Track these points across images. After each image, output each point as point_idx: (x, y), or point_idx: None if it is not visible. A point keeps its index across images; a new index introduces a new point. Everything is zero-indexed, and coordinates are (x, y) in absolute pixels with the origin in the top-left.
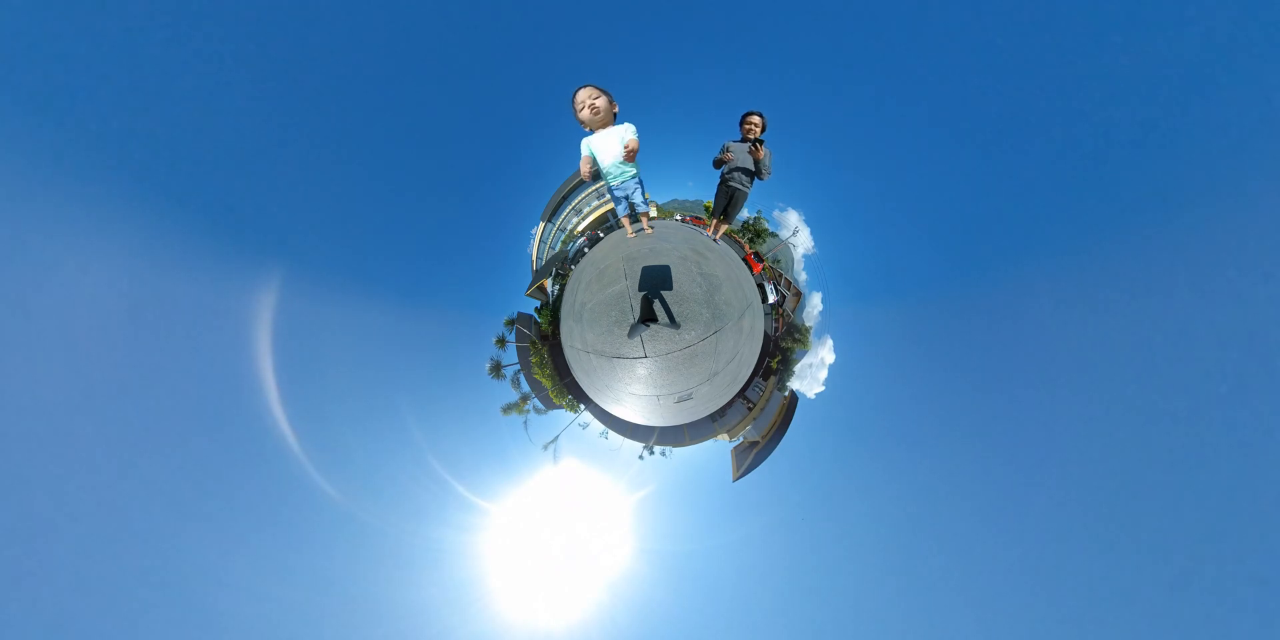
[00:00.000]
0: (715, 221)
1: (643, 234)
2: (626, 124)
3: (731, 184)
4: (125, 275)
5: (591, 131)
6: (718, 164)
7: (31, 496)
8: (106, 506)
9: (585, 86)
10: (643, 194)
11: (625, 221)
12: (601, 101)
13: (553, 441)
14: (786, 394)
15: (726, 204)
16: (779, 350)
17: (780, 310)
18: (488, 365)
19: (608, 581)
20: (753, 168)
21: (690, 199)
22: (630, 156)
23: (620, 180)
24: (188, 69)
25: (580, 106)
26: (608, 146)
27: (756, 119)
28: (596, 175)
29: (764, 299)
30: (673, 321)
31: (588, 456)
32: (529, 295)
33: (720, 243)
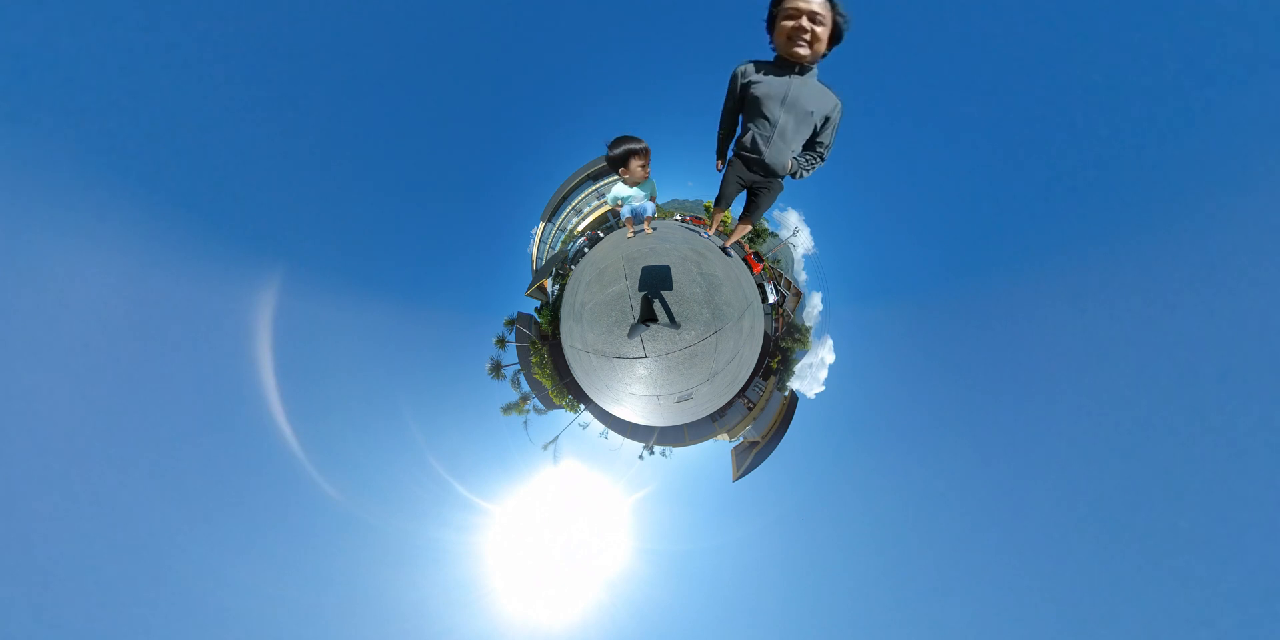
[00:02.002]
0: (718, 215)
1: (642, 234)
2: (650, 182)
3: (768, 161)
4: (125, 276)
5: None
6: (722, 149)
7: (32, 497)
8: (106, 507)
9: (642, 151)
10: (653, 205)
11: (629, 223)
12: (647, 169)
13: (553, 441)
14: (786, 394)
15: (750, 197)
16: (779, 350)
17: (780, 310)
18: (488, 365)
19: (607, 581)
20: (787, 166)
21: (690, 199)
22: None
23: (633, 203)
24: (187, 68)
25: (641, 175)
26: (635, 195)
27: (816, 4)
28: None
29: (764, 299)
30: (673, 321)
31: (588, 456)
32: (529, 295)
33: (732, 254)
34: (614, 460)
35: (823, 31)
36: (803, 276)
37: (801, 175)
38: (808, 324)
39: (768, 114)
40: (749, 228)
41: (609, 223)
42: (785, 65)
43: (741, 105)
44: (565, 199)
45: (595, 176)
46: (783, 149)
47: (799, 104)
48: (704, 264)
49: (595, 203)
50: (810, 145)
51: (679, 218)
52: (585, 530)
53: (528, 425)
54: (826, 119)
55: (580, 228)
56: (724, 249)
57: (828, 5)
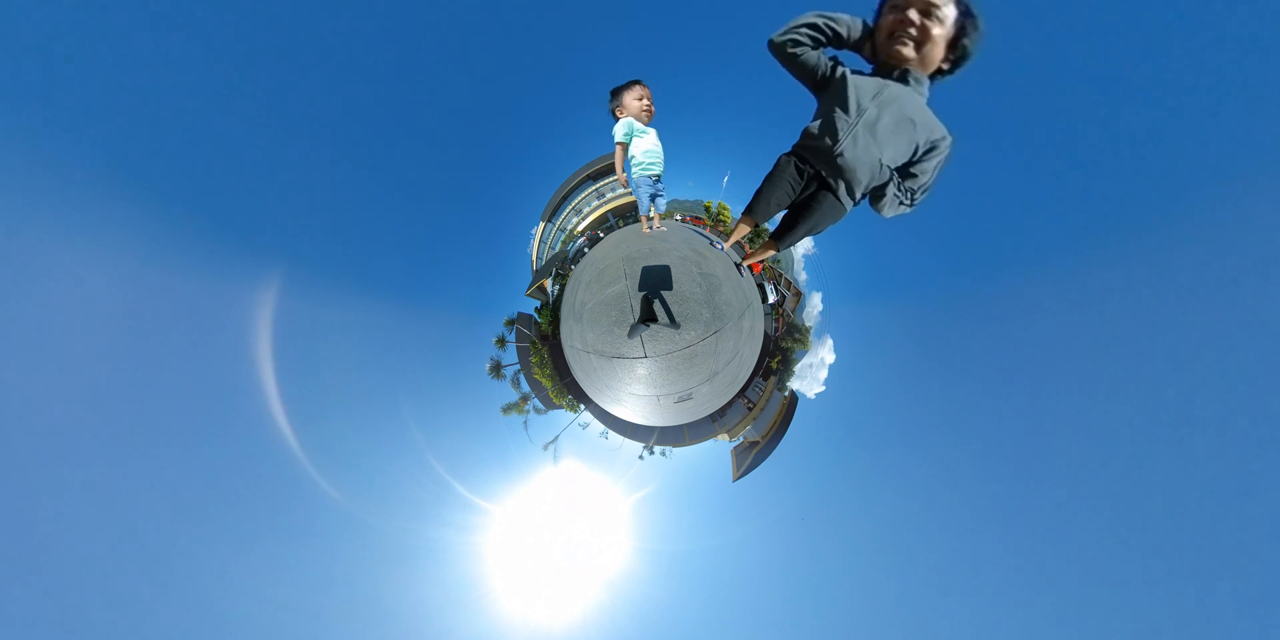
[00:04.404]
0: (742, 227)
1: (644, 232)
2: (652, 128)
3: (842, 156)
4: (125, 276)
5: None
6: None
7: (32, 497)
8: (106, 507)
9: (639, 84)
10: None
11: (644, 219)
12: (648, 105)
13: (553, 441)
14: (786, 394)
15: (795, 212)
16: (779, 350)
17: (780, 310)
18: (488, 365)
19: (607, 581)
20: (873, 174)
21: (690, 199)
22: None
23: (653, 171)
24: (189, 69)
25: (641, 106)
26: (649, 134)
27: None
28: (625, 153)
29: (764, 299)
30: (673, 321)
31: (588, 456)
32: (529, 295)
33: (745, 275)
34: (614, 460)
35: (938, 32)
36: (803, 276)
37: (886, 202)
38: (808, 324)
39: (853, 99)
40: (773, 250)
41: (609, 222)
42: (884, 72)
43: (821, 87)
44: (565, 199)
45: (595, 176)
46: (868, 145)
47: (898, 105)
48: (704, 264)
49: (595, 203)
50: (902, 177)
51: (679, 218)
52: (585, 530)
53: (528, 425)
54: (933, 147)
55: (580, 228)
56: (738, 266)
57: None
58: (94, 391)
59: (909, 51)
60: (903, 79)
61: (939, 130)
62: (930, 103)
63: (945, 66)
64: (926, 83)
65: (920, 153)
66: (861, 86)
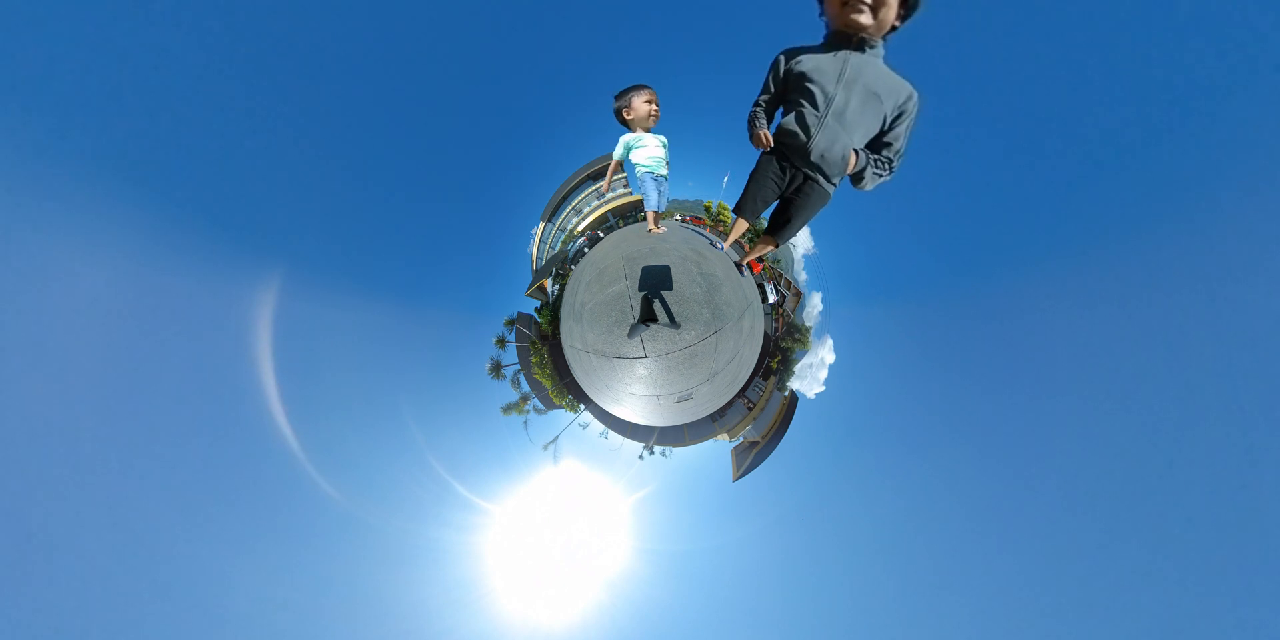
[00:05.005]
0: (738, 227)
1: (649, 232)
2: (660, 135)
3: (815, 148)
4: (125, 276)
5: (632, 130)
6: (757, 122)
7: (32, 497)
8: (106, 507)
9: (647, 88)
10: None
11: (651, 215)
12: (655, 108)
13: (553, 441)
14: (786, 394)
15: (785, 205)
16: (779, 350)
17: (780, 310)
18: (488, 365)
19: (607, 581)
20: (846, 160)
21: (690, 199)
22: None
23: (657, 171)
24: (188, 69)
25: (646, 110)
26: (649, 145)
27: None
28: (618, 169)
29: (764, 299)
30: (673, 321)
31: (588, 456)
32: (529, 295)
33: (746, 274)
34: (614, 460)
35: (886, 7)
36: (803, 276)
37: (866, 181)
38: (808, 324)
39: (818, 89)
40: (772, 246)
41: (609, 222)
42: (840, 41)
43: (785, 94)
44: (565, 199)
45: (595, 176)
46: (837, 134)
47: (862, 82)
48: (704, 264)
49: (595, 203)
50: (875, 147)
51: (679, 218)
52: (585, 530)
53: (528, 425)
54: (900, 113)
55: (580, 228)
56: (738, 266)
57: None
58: (93, 391)
59: (865, 19)
60: (859, 47)
61: (903, 92)
62: (889, 60)
63: (897, 23)
64: (882, 44)
65: (889, 121)
66: (821, 70)
